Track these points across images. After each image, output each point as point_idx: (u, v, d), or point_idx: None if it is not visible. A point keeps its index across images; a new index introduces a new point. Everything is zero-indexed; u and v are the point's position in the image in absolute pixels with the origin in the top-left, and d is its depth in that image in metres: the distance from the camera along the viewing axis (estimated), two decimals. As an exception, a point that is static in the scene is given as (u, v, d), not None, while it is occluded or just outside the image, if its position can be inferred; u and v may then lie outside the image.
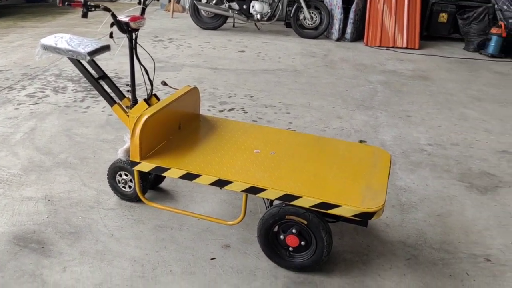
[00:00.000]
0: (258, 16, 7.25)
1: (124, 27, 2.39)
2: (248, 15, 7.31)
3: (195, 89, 2.77)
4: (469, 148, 3.74)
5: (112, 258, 2.26)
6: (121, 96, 2.69)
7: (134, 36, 2.48)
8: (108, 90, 2.66)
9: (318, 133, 3.83)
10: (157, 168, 2.28)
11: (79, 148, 3.31)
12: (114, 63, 5.31)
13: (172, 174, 2.27)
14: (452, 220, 2.75)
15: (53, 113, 3.88)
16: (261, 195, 2.14)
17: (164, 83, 2.72)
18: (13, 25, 7.17)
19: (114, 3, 9.56)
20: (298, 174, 2.26)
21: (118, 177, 2.67)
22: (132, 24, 2.40)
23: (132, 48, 2.49)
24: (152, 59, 2.67)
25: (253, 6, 7.23)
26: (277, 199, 2.12)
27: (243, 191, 2.17)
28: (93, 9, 2.23)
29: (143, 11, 2.57)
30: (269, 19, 7.35)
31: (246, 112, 4.18)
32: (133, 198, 2.68)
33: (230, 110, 4.22)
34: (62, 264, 2.20)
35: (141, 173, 2.50)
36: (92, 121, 3.78)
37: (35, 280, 2.09)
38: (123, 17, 2.40)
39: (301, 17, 7.35)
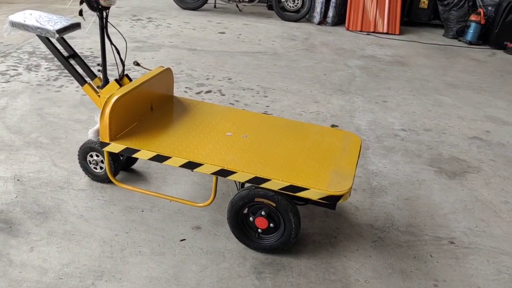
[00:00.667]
0: (240, -3, 7.16)
1: (94, 5, 2.34)
2: (230, -4, 7.21)
3: (168, 70, 2.74)
4: (441, 134, 3.81)
5: (80, 239, 2.25)
6: (92, 75, 2.65)
7: (104, 14, 2.43)
8: (80, 69, 2.61)
9: (294, 117, 3.85)
10: (127, 149, 2.27)
11: (51, 128, 3.26)
12: (90, 42, 5.21)
13: (142, 156, 2.26)
14: (420, 203, 2.82)
15: (25, 91, 3.81)
16: (230, 177, 2.15)
17: (137, 63, 2.69)
18: (-13, 0, 6.95)
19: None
20: (268, 157, 2.28)
21: (89, 158, 2.64)
22: (102, 2, 2.35)
23: (103, 27, 2.45)
24: (124, 38, 2.62)
25: (234, -13, 7.14)
26: (247, 181, 2.13)
27: (213, 173, 2.17)
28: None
29: (114, -11, 2.51)
30: (251, 0, 7.27)
31: (224, 95, 4.17)
32: (104, 179, 2.67)
33: (207, 92, 4.20)
34: (29, 244, 2.19)
35: (112, 154, 2.48)
36: (65, 100, 3.72)
37: (1, 260, 2.08)
38: (92, -6, 2.35)
39: (283, -1, 7.29)
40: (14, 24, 2.46)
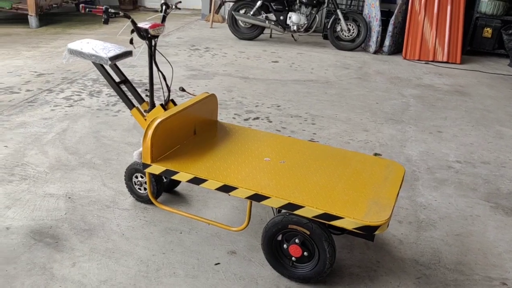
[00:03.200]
0: (295, 27, 7.27)
1: (144, 34, 2.48)
2: (285, 26, 7.34)
3: (212, 96, 2.81)
4: (500, 167, 3.57)
5: (119, 257, 2.32)
6: (141, 100, 2.78)
7: (153, 43, 2.56)
8: (130, 94, 2.75)
9: (341, 145, 3.79)
10: (166, 171, 2.33)
11: (104, 150, 3.43)
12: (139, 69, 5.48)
13: (181, 178, 2.31)
14: (472, 240, 2.64)
15: (85, 115, 4.05)
16: (264, 202, 2.14)
17: (182, 89, 2.79)
18: (61, 32, 7.56)
19: (159, 12, 9.89)
20: (305, 184, 2.25)
21: (134, 179, 2.74)
22: (151, 31, 2.49)
23: (151, 55, 2.57)
24: (171, 65, 2.74)
25: (290, 17, 7.26)
26: (280, 207, 2.11)
27: (247, 197, 2.17)
28: (113, 15, 2.33)
29: (163, 19, 2.65)
30: (306, 30, 7.35)
31: (271, 122, 4.20)
32: (147, 200, 2.75)
33: (255, 119, 4.25)
34: (72, 259, 2.28)
35: (155, 176, 2.56)
36: (120, 124, 3.91)
37: (44, 273, 2.18)
38: (143, 24, 2.50)
39: (338, 29, 7.31)
40: (72, 52, 2.65)
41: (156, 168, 2.36)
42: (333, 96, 5.04)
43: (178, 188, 2.96)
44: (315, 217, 2.04)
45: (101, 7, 2.32)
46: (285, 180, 2.27)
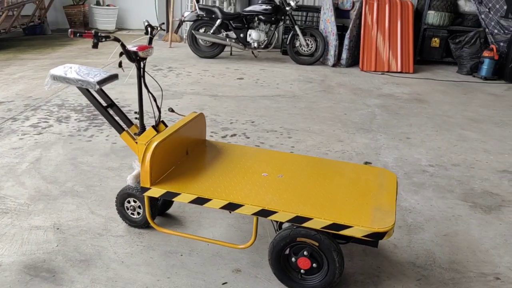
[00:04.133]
0: (255, 44, 7.39)
1: (133, 57, 2.46)
2: (245, 43, 7.45)
3: (201, 115, 2.81)
4: (470, 168, 3.79)
5: (123, 285, 2.25)
6: (129, 123, 2.73)
7: (142, 65, 2.54)
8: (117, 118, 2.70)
9: (321, 156, 3.87)
10: (167, 193, 2.30)
11: (85, 177, 3.32)
12: (115, 92, 5.38)
13: (183, 199, 2.29)
14: (459, 239, 2.77)
15: (57, 142, 3.91)
16: (272, 217, 2.16)
17: (171, 110, 2.77)
18: (13, 58, 7.26)
19: (113, 33, 9.73)
20: (307, 196, 2.29)
21: (126, 204, 2.68)
22: (140, 54, 2.47)
23: (141, 77, 2.55)
24: (160, 87, 2.73)
25: (250, 35, 7.38)
26: (288, 221, 2.14)
27: (254, 214, 2.19)
28: (103, 39, 2.30)
29: (150, 41, 2.64)
30: (266, 47, 7.49)
31: (248, 138, 4.23)
32: (141, 225, 2.69)
33: (232, 135, 4.26)
34: (73, 293, 2.19)
35: (149, 199, 2.51)
36: (97, 149, 3.80)
37: (47, 309, 2.08)
38: (131, 47, 2.47)
39: (297, 44, 7.50)
40: (56, 78, 2.57)
41: (156, 191, 2.32)
42: (302, 110, 5.16)
43: (169, 210, 2.92)
44: (323, 228, 2.08)
45: (91, 32, 2.28)
46: (287, 193, 2.31)
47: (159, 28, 2.71)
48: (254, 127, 4.53)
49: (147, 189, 2.33)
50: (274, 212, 2.15)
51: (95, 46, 2.30)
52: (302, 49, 7.54)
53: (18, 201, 2.96)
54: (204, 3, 8.36)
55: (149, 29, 2.66)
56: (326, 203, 2.23)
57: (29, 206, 2.90)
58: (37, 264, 2.37)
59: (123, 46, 2.41)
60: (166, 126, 2.67)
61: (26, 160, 3.54)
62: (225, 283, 2.31)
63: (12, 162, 3.51)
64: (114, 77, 2.64)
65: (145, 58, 2.55)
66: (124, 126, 2.71)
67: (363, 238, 2.05)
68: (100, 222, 2.77)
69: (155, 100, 2.60)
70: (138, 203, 2.65)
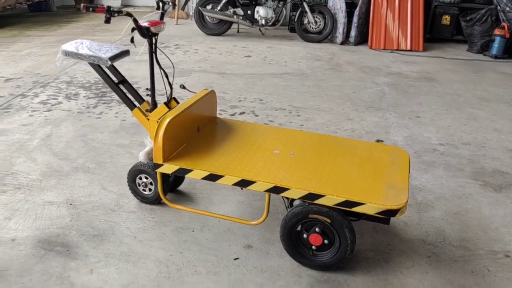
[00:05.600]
0: (263, 21, 7.31)
1: (145, 32, 2.43)
2: (253, 21, 7.36)
3: (212, 92, 2.80)
4: (480, 148, 3.77)
5: (137, 260, 2.28)
6: (140, 100, 2.72)
7: (154, 41, 2.52)
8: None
9: (331, 134, 3.86)
10: (180, 169, 2.31)
11: (95, 153, 3.34)
12: (123, 70, 5.35)
13: (196, 175, 2.30)
14: (470, 217, 2.78)
15: (67, 119, 3.92)
16: (284, 194, 2.17)
17: (183, 87, 2.76)
18: (19, 34, 7.22)
19: (134, 8, 9.64)
20: (319, 173, 2.29)
21: (138, 180, 2.69)
22: (152, 29, 2.44)
23: (152, 52, 2.53)
24: (172, 63, 2.70)
25: (257, 12, 7.29)
26: (301, 198, 2.15)
27: (266, 191, 2.19)
28: (116, 14, 2.27)
29: (162, 16, 2.61)
30: (273, 24, 7.41)
31: (257, 116, 4.22)
32: (153, 201, 2.71)
33: (241, 113, 4.25)
34: (88, 266, 2.22)
35: (162, 176, 2.52)
36: (106, 126, 3.81)
37: (63, 283, 2.11)
38: (143, 22, 2.45)
39: (305, 21, 7.41)
40: (67, 53, 2.55)
41: (169, 168, 2.33)
42: (311, 88, 5.12)
43: (181, 187, 2.93)
44: (336, 205, 2.09)
45: (103, 6, 2.25)
46: (299, 171, 2.31)
47: (170, 3, 2.67)
48: (262, 105, 4.51)
49: (159, 165, 2.34)
50: (286, 189, 2.15)
51: (107, 21, 2.27)
52: (310, 26, 7.45)
53: (30, 177, 2.99)
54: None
55: (160, 4, 2.63)
56: (338, 181, 2.23)
57: (42, 182, 2.93)
58: (51, 238, 2.40)
59: (135, 21, 2.38)
60: (178, 102, 2.66)
61: (37, 137, 3.56)
62: (237, 258, 2.33)
63: (23, 138, 3.52)
64: (125, 53, 2.62)
65: (157, 34, 2.52)
66: (135, 102, 2.71)
67: (375, 215, 2.06)
68: (112, 198, 2.79)
69: (166, 77, 2.58)
70: (149, 180, 2.66)
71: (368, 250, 2.45)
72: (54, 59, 5.26)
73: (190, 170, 2.29)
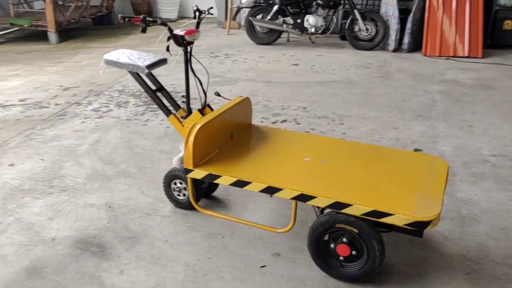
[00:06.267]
0: (313, 30, 7.27)
1: (180, 40, 2.50)
2: (303, 29, 7.34)
3: (247, 99, 2.82)
4: (537, 159, 3.51)
5: (166, 263, 2.33)
6: (177, 107, 2.80)
7: (189, 49, 2.59)
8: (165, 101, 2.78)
9: (373, 143, 3.76)
10: (209, 175, 2.34)
11: (138, 159, 3.46)
12: (173, 79, 5.53)
13: (223, 181, 2.32)
14: (518, 234, 2.59)
15: (116, 126, 4.10)
16: (310, 202, 2.13)
17: (218, 94, 2.80)
18: (82, 46, 7.67)
19: (175, 22, 9.99)
20: (349, 182, 2.23)
21: (173, 185, 2.76)
22: (187, 37, 2.51)
23: (187, 61, 2.59)
24: (206, 71, 2.75)
25: (307, 20, 7.27)
26: (327, 207, 2.10)
27: (293, 198, 2.17)
28: (151, 24, 2.36)
29: (197, 25, 2.67)
30: (324, 32, 7.34)
31: (299, 123, 4.19)
32: (187, 206, 2.76)
33: (282, 121, 4.24)
34: (119, 267, 2.30)
35: (194, 181, 2.57)
36: (151, 133, 3.94)
37: (94, 282, 2.20)
38: (178, 31, 2.52)
39: (356, 29, 7.28)
40: (108, 62, 2.69)
41: (199, 173, 2.37)
42: (358, 96, 5.02)
43: (215, 193, 2.97)
44: (363, 215, 2.02)
45: (139, 17, 2.35)
46: (329, 179, 2.26)
47: (206, 12, 2.74)
48: (305, 113, 4.47)
49: (190, 170, 2.39)
50: (313, 197, 2.12)
51: (143, 30, 2.37)
52: (361, 34, 7.31)
53: (76, 180, 3.15)
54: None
55: (197, 13, 2.70)
56: (368, 190, 2.16)
57: (86, 185, 3.08)
58: (88, 239, 2.51)
59: (170, 30, 2.46)
60: (212, 109, 2.71)
61: (86, 142, 3.75)
62: (264, 266, 2.32)
63: (73, 143, 3.73)
64: (163, 61, 2.71)
65: (192, 42, 2.59)
66: (172, 109, 2.78)
67: (405, 226, 1.97)
68: (148, 202, 2.88)
69: (201, 84, 2.64)
70: (183, 185, 2.72)
71: (402, 263, 2.35)
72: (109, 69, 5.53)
73: (219, 176, 2.32)
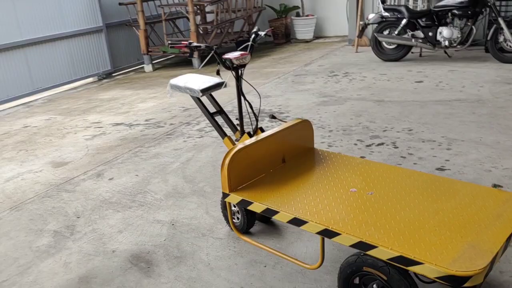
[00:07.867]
0: (446, 43, 6.56)
1: (227, 64, 2.50)
2: (435, 43, 6.69)
3: (305, 122, 2.66)
4: None
5: (199, 287, 2.31)
6: (234, 129, 2.79)
7: (240, 73, 2.57)
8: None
9: (480, 173, 3.19)
10: (242, 201, 2.26)
11: (218, 178, 3.54)
12: (282, 99, 5.56)
13: (255, 208, 2.21)
14: None
15: (211, 145, 4.28)
16: (334, 239, 1.89)
17: (273, 117, 2.71)
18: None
19: (309, 43, 10.08)
20: (388, 219, 1.92)
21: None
22: (235, 61, 2.50)
23: (238, 84, 2.58)
24: (258, 94, 2.70)
25: (440, 33, 6.59)
26: (351, 246, 1.84)
27: (318, 233, 1.95)
28: (195, 49, 2.42)
29: (250, 48, 2.64)
30: (462, 44, 6.57)
31: (397, 147, 3.79)
32: (240, 229, 2.71)
33: (378, 144, 3.89)
34: (157, 286, 2.36)
35: (229, 205, 2.50)
36: (240, 153, 4.00)
37: (130, 296, 2.30)
38: (228, 55, 2.53)
39: (501, 39, 6.34)
40: (172, 87, 2.83)
41: (234, 198, 2.31)
42: (481, 117, 4.33)
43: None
44: (389, 259, 1.71)
45: (185, 42, 2.43)
46: (365, 214, 1.98)
47: (263, 35, 2.69)
48: (409, 135, 4.03)
49: (227, 195, 2.34)
50: (337, 234, 1.88)
51: (190, 55, 2.44)
52: (507, 44, 6.33)
53: (156, 196, 3.36)
54: (390, 3, 7.89)
55: (253, 35, 2.67)
56: (406, 230, 1.83)
57: (162, 201, 3.27)
58: (141, 254, 2.64)
59: (216, 54, 2.49)
60: (263, 132, 2.63)
61: (179, 160, 3.99)
62: (294, 304, 2.13)
63: (168, 161, 4.00)
64: (220, 85, 2.75)
65: (243, 66, 2.56)
66: (229, 132, 2.79)
67: (436, 280, 1.60)
68: (209, 223, 2.91)
69: (251, 107, 2.59)
70: (237, 208, 2.68)
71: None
72: (230, 90, 5.82)
73: (251, 203, 2.22)
